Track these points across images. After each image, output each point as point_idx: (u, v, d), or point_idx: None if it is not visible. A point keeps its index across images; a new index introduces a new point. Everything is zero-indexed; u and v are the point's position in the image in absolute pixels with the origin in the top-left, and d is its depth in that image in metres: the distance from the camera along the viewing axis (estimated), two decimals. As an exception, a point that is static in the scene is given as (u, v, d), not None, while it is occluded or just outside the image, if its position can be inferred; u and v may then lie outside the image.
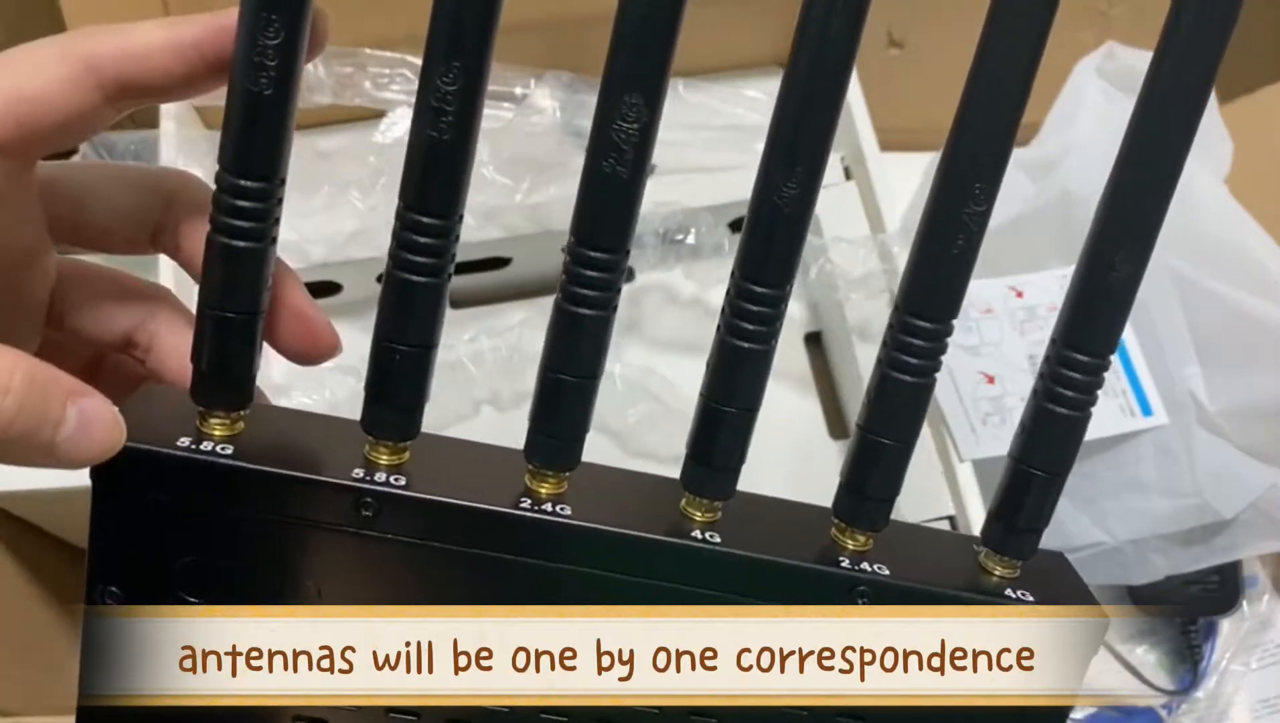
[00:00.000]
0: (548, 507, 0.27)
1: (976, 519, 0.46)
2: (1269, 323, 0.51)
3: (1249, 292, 0.52)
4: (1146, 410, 0.51)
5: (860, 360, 0.50)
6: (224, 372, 0.26)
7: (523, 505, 0.27)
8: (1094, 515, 0.52)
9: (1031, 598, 0.28)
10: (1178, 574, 0.53)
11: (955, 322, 0.26)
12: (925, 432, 0.49)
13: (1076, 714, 0.57)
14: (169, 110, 0.51)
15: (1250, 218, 0.53)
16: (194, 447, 0.25)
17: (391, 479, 0.26)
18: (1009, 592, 0.28)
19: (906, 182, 0.60)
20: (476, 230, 0.51)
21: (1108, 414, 0.51)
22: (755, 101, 0.55)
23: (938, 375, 0.26)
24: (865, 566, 0.27)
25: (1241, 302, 0.52)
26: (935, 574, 0.28)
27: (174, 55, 0.25)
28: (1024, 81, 0.24)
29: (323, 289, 0.52)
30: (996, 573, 0.28)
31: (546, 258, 0.54)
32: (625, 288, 0.55)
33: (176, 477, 0.25)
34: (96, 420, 0.23)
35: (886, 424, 0.27)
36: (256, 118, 0.24)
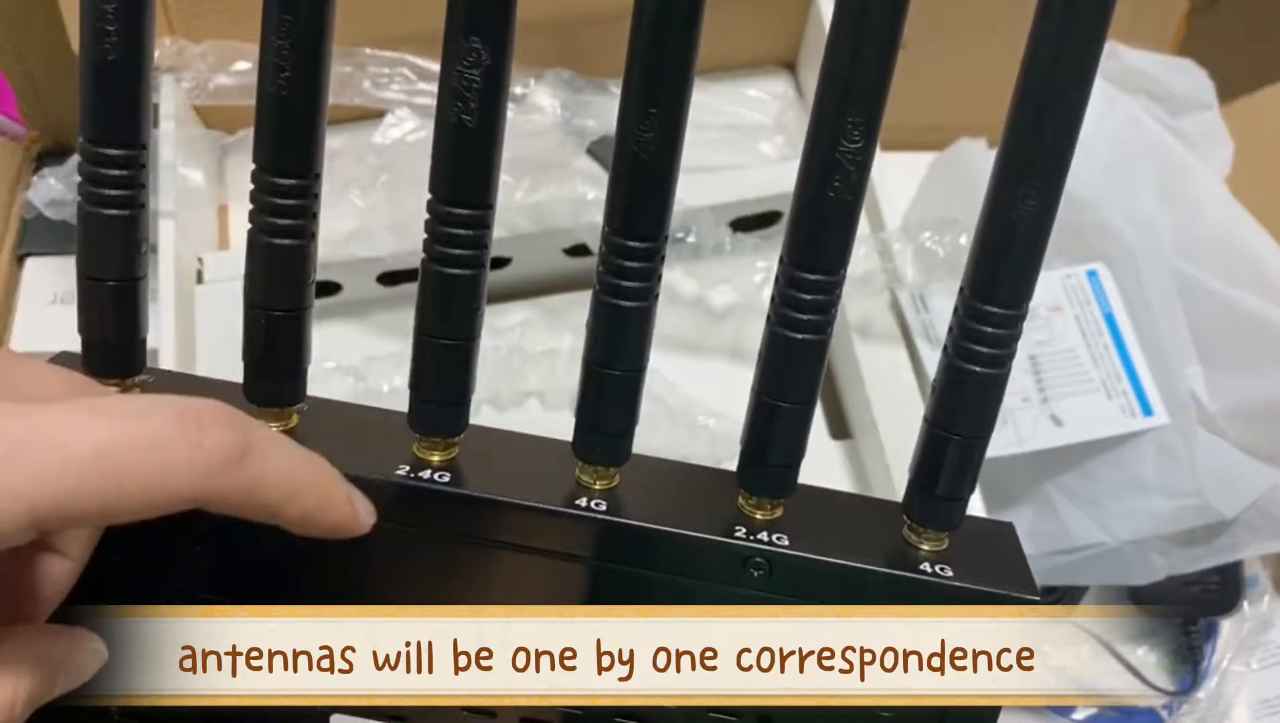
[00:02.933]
0: (428, 474, 0.26)
1: (977, 519, 0.46)
2: (1269, 323, 0.51)
3: (1249, 292, 0.52)
4: (1147, 410, 0.51)
5: (861, 360, 0.50)
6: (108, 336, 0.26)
7: (399, 473, 0.26)
8: (1095, 516, 0.52)
9: (950, 574, 0.26)
10: (1178, 575, 0.53)
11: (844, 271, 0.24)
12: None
13: (1077, 715, 0.57)
14: (168, 110, 0.51)
15: (1251, 218, 0.53)
16: None
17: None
18: (925, 566, 0.26)
19: (906, 182, 0.60)
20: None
21: (1108, 414, 0.51)
22: (756, 101, 0.55)
23: (830, 332, 0.25)
24: (764, 536, 0.26)
25: (1242, 301, 0.52)
26: (844, 546, 0.26)
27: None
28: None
29: (323, 289, 0.52)
30: (923, 547, 0.26)
31: (547, 258, 0.54)
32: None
33: None
34: None
35: (784, 385, 0.25)
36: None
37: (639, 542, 0.26)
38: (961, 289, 0.24)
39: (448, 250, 0.25)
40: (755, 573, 0.26)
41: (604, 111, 0.54)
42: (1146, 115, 0.55)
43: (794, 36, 0.59)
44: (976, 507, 0.47)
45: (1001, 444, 0.49)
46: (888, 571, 0.26)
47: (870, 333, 0.51)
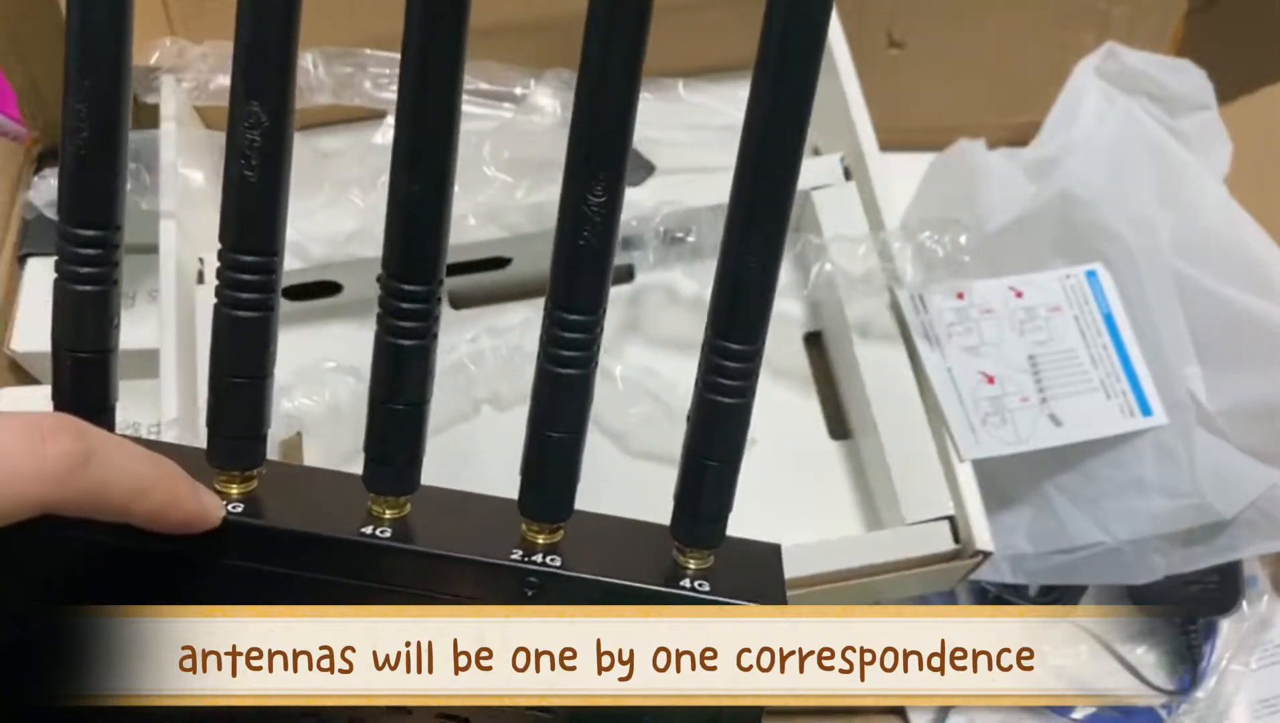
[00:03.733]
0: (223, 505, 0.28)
1: (976, 519, 0.46)
2: (1269, 323, 0.51)
3: (1249, 292, 0.52)
4: (1146, 410, 0.51)
5: (861, 360, 0.50)
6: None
7: None
8: (1094, 516, 0.52)
9: (707, 588, 0.28)
10: (1178, 574, 0.53)
11: (600, 313, 0.27)
12: (925, 432, 0.49)
13: (1077, 715, 0.57)
14: (169, 111, 0.51)
15: (1250, 218, 0.53)
16: None
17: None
18: (686, 582, 0.28)
19: (906, 182, 0.60)
20: (476, 230, 0.51)
21: (1107, 414, 0.51)
22: (755, 101, 0.55)
23: (594, 366, 0.27)
24: (539, 557, 0.28)
25: (1241, 302, 0.52)
26: (614, 565, 0.28)
27: None
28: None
29: (323, 289, 0.52)
30: (690, 565, 0.28)
31: (547, 258, 0.53)
32: (625, 288, 0.55)
33: None
34: None
35: (553, 417, 0.27)
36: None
37: (417, 567, 0.28)
38: (706, 330, 0.27)
39: (236, 294, 0.27)
40: (529, 592, 0.28)
41: (604, 112, 0.54)
42: (1145, 116, 0.56)
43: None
44: (976, 503, 0.47)
45: (1001, 444, 0.49)
46: (648, 586, 0.28)
47: (870, 333, 0.51)
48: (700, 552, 0.28)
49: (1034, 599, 0.56)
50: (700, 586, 0.28)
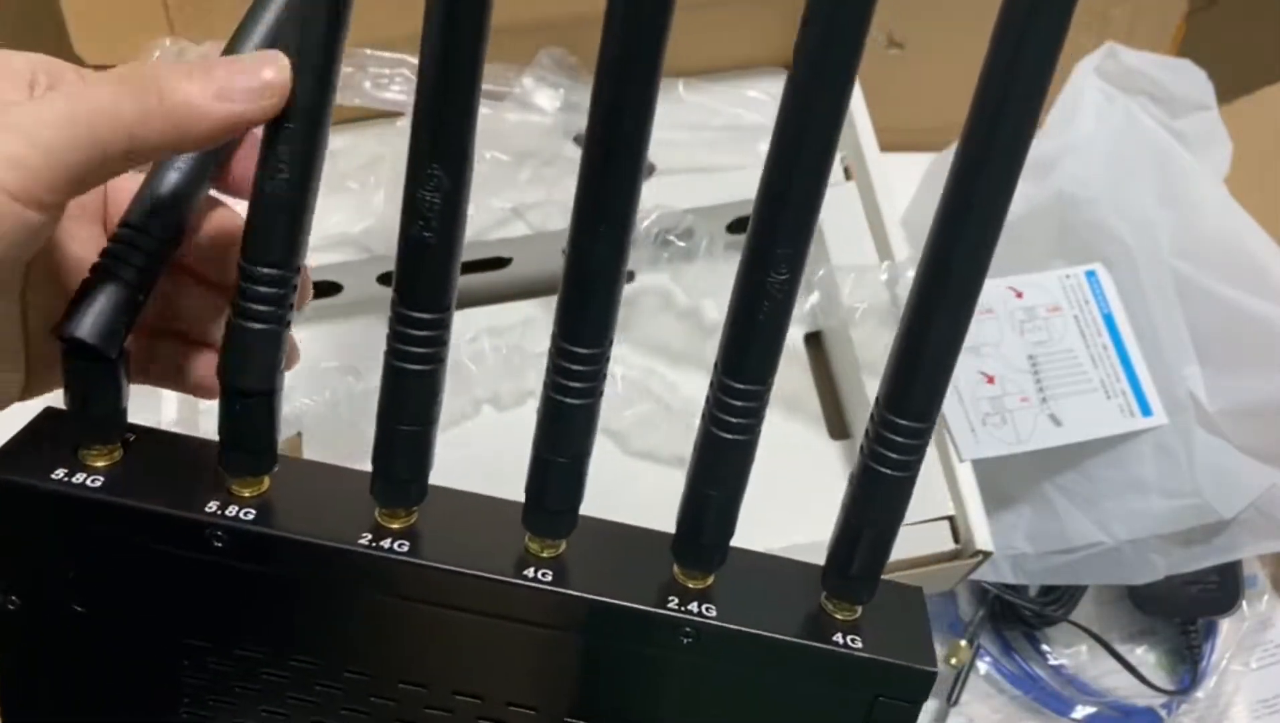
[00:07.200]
0: (388, 543, 0.27)
1: (976, 519, 0.46)
2: (1269, 323, 0.51)
3: (1249, 292, 0.52)
4: (1146, 411, 0.51)
5: (861, 360, 0.50)
6: (90, 408, 0.27)
7: (362, 542, 0.27)
8: (1093, 516, 0.52)
9: (860, 645, 0.28)
10: (1177, 574, 0.53)
11: (770, 381, 0.26)
12: (925, 432, 0.49)
13: (1077, 714, 0.57)
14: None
15: (1249, 218, 0.53)
16: (66, 479, 0.27)
17: (242, 513, 0.27)
18: (837, 637, 0.28)
19: (906, 182, 0.60)
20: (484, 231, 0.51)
21: (1108, 414, 0.51)
22: (755, 102, 0.55)
23: (759, 432, 0.27)
24: (694, 606, 0.28)
25: (1241, 302, 0.52)
26: (766, 616, 0.28)
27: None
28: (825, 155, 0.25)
29: (323, 289, 0.52)
30: (837, 616, 0.28)
31: (547, 258, 0.54)
32: (624, 288, 0.55)
33: (49, 506, 0.27)
34: None
35: (713, 477, 0.27)
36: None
37: (576, 611, 0.28)
38: (876, 400, 0.26)
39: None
40: (685, 641, 0.27)
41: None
42: (1145, 116, 0.56)
43: (793, 37, 0.59)
44: (976, 503, 0.47)
45: (1000, 444, 0.50)
46: (803, 642, 0.28)
47: (870, 332, 0.51)
48: (849, 605, 0.28)
49: (1034, 599, 0.57)
50: (853, 641, 0.28)
